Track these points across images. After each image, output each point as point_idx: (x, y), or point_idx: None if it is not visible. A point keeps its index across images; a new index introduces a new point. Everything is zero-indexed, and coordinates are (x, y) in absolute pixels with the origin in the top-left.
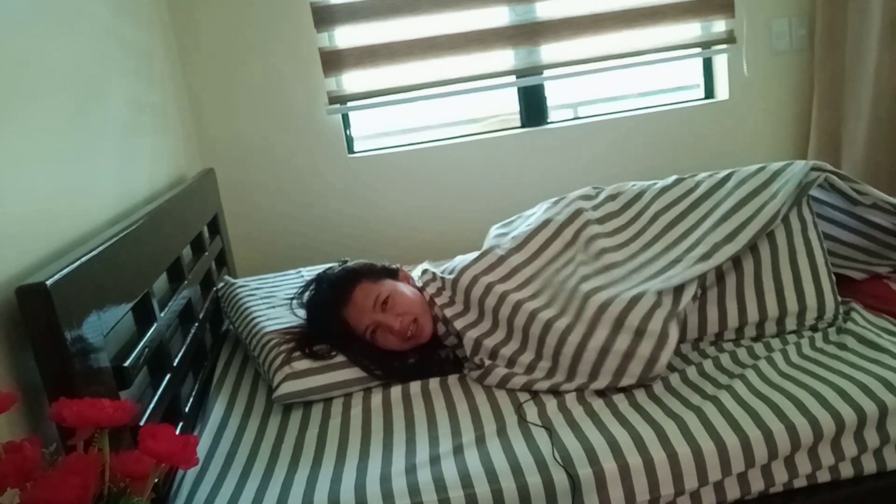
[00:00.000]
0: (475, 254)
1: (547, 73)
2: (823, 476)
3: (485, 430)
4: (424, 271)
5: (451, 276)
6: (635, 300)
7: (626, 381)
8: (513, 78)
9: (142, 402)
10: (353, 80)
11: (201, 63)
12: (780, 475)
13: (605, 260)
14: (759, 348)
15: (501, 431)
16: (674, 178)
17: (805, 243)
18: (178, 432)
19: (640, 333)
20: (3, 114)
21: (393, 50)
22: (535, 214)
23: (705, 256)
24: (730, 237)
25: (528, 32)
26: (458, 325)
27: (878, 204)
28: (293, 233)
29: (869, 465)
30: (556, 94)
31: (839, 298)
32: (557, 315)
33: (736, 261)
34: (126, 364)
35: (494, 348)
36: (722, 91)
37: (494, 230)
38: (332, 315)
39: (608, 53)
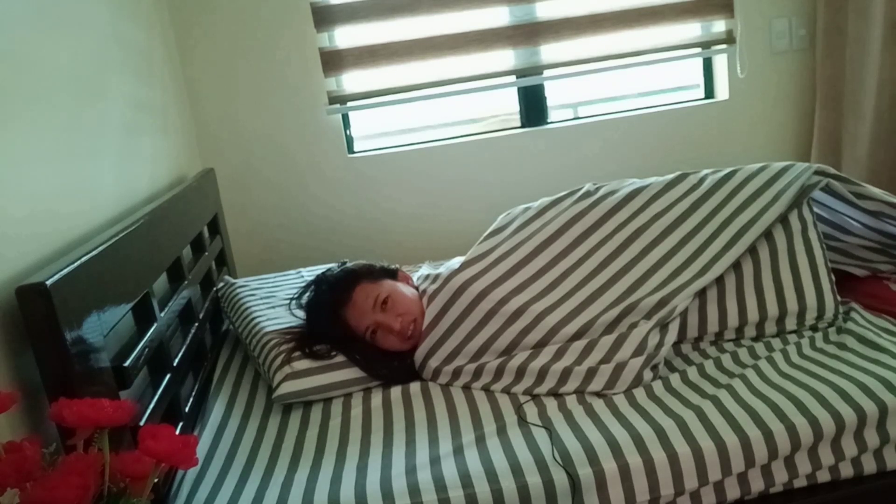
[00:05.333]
0: (470, 254)
1: (547, 73)
2: (823, 476)
3: (485, 430)
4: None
5: (444, 276)
6: (622, 339)
7: (593, 387)
8: (513, 78)
9: (142, 402)
10: (353, 80)
11: (201, 63)
12: (780, 475)
13: (604, 275)
14: (759, 348)
15: (501, 431)
16: (677, 174)
17: (805, 243)
18: (178, 432)
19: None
20: (3, 114)
21: (393, 50)
22: (534, 214)
23: (704, 270)
24: (729, 244)
25: (528, 32)
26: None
27: (882, 211)
28: (293, 233)
29: (869, 465)
30: (556, 94)
31: (839, 298)
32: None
33: (735, 261)
34: (126, 364)
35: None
36: (722, 91)
37: (499, 220)
38: (332, 316)
39: (608, 53)
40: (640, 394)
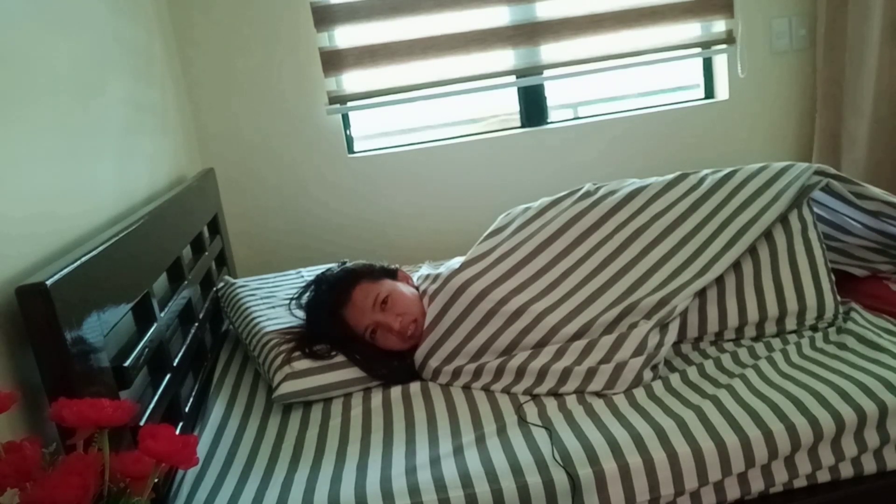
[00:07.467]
0: (470, 254)
1: (547, 73)
2: (823, 476)
3: (485, 430)
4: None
5: (444, 276)
6: (622, 339)
7: (593, 387)
8: (513, 78)
9: (142, 402)
10: (353, 80)
11: (201, 63)
12: (780, 475)
13: (604, 275)
14: (759, 348)
15: (501, 431)
16: (677, 174)
17: (805, 243)
18: (178, 432)
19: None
20: (3, 114)
21: (393, 50)
22: (534, 214)
23: (704, 269)
24: (729, 244)
25: (528, 32)
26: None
27: (882, 211)
28: (293, 233)
29: (869, 465)
30: (556, 94)
31: (839, 298)
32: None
33: (735, 261)
34: (126, 364)
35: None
36: (722, 91)
37: (499, 220)
38: (331, 315)
39: (608, 53)
40: (640, 394)
